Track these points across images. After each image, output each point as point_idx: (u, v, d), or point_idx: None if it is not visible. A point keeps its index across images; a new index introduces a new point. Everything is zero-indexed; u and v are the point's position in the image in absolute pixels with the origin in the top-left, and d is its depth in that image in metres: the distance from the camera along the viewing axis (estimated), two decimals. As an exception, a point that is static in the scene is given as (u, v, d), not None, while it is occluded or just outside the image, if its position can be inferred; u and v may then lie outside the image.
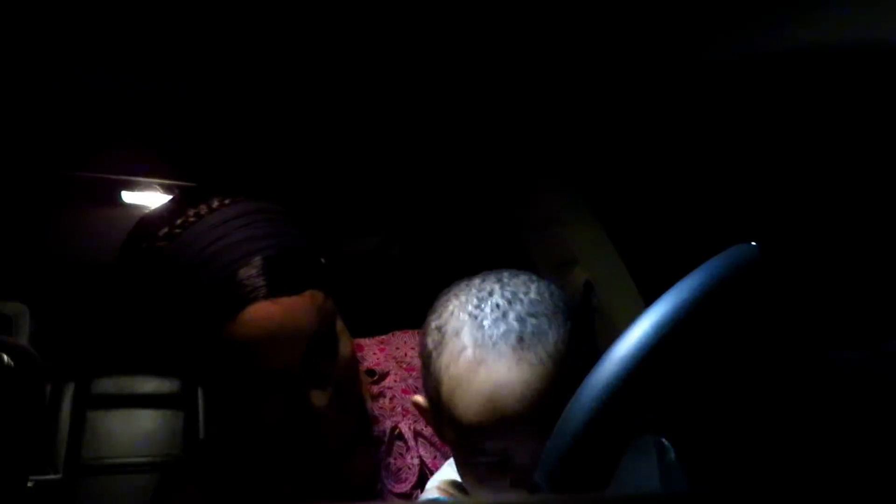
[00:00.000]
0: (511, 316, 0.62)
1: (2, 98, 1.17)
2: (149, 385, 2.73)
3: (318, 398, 0.74)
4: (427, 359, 0.67)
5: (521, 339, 0.60)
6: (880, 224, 1.04)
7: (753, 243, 0.49)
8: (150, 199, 2.05)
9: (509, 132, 1.34)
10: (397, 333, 0.98)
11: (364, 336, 0.98)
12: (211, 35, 1.03)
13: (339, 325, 0.78)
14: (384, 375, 0.90)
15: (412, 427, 0.85)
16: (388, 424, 0.85)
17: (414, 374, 0.91)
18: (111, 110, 1.26)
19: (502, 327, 0.61)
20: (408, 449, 0.84)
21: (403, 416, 0.86)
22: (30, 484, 1.69)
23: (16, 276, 2.26)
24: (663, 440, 0.44)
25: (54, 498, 2.30)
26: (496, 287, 0.65)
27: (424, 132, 1.36)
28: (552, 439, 0.46)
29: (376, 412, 0.87)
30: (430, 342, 0.66)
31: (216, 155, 1.53)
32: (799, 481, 0.46)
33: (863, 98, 0.93)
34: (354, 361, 0.80)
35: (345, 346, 0.78)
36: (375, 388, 0.89)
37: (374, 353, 0.94)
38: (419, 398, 0.72)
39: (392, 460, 0.84)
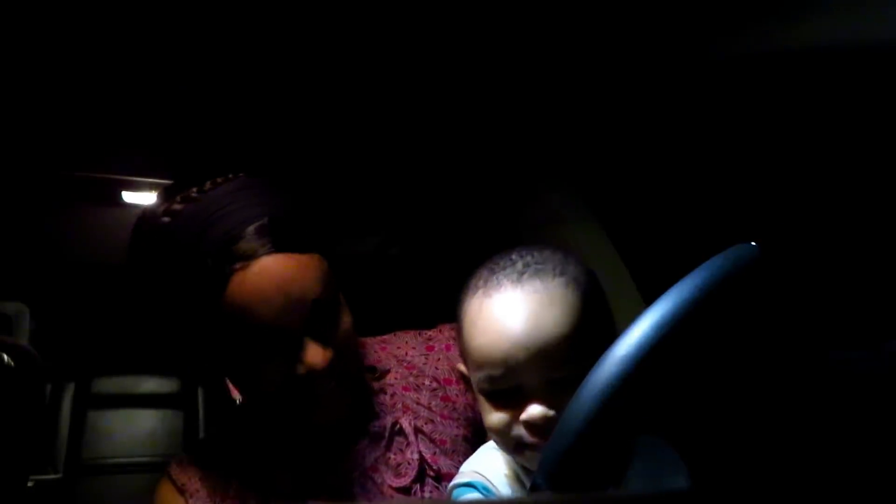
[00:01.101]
0: (519, 264, 0.69)
1: (2, 98, 1.17)
2: (149, 385, 2.74)
3: (318, 358, 0.76)
4: (458, 315, 0.73)
5: (521, 274, 0.68)
6: (880, 224, 1.04)
7: (753, 243, 0.49)
8: (150, 199, 2.05)
9: (510, 132, 1.34)
10: (399, 333, 0.99)
11: (365, 336, 0.99)
12: (212, 35, 1.03)
13: (341, 298, 0.81)
14: (385, 373, 0.92)
15: (412, 423, 0.86)
16: (389, 420, 0.86)
17: (414, 371, 0.92)
18: (111, 110, 1.26)
19: (509, 270, 0.69)
20: (408, 444, 0.85)
21: (404, 412, 0.87)
22: (30, 484, 1.69)
23: (16, 276, 2.26)
24: (663, 440, 0.44)
25: (54, 498, 2.30)
26: (519, 249, 0.72)
27: (425, 132, 1.36)
28: (553, 438, 0.46)
29: (377, 408, 0.88)
30: (461, 299, 0.73)
31: (216, 155, 1.53)
32: (799, 481, 0.46)
33: (862, 98, 0.93)
34: (354, 337, 0.82)
35: (346, 318, 0.80)
36: (376, 385, 0.90)
37: (376, 352, 0.95)
38: (460, 365, 0.76)
39: (392, 455, 0.85)
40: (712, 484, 0.45)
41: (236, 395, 1.28)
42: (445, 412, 0.89)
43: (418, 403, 0.89)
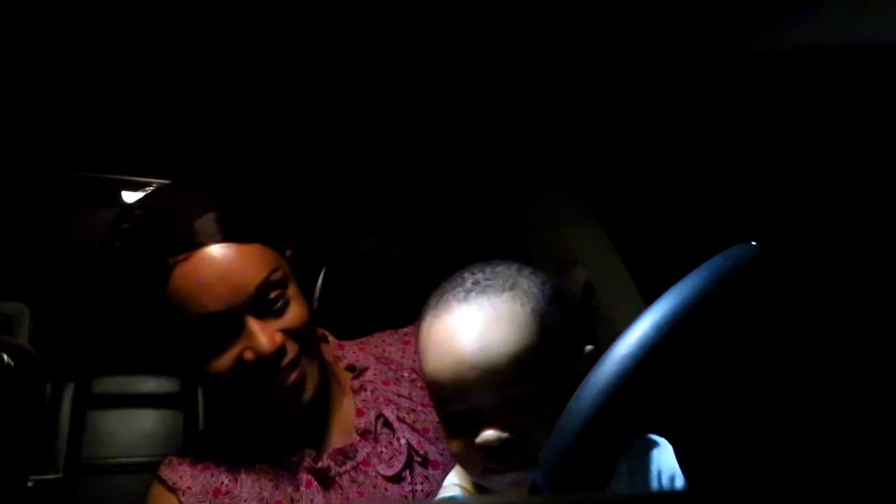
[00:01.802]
0: (469, 282, 0.68)
1: (2, 98, 1.17)
2: (149, 385, 2.73)
3: (263, 342, 0.78)
4: (417, 339, 0.72)
5: (468, 293, 0.66)
6: (880, 224, 1.04)
7: (753, 243, 0.49)
8: (149, 199, 2.04)
9: (509, 132, 1.34)
10: (376, 334, 1.02)
11: (366, 336, 1.00)
12: (211, 35, 1.03)
13: (293, 289, 0.84)
14: (364, 370, 0.94)
15: (395, 414, 0.89)
16: (373, 414, 0.89)
17: (392, 366, 0.95)
18: (111, 110, 1.26)
19: (458, 289, 0.68)
20: (395, 434, 0.87)
21: (386, 405, 0.90)
22: (30, 484, 1.69)
23: (16, 276, 2.26)
24: (663, 440, 0.44)
25: (54, 498, 2.30)
26: (472, 266, 0.71)
27: (425, 132, 1.36)
28: (553, 438, 0.46)
29: (360, 405, 0.90)
30: (418, 322, 0.72)
31: (216, 155, 1.53)
32: (799, 481, 0.46)
33: (862, 98, 0.93)
34: (309, 327, 0.85)
35: (298, 308, 0.83)
36: (357, 383, 0.93)
37: (354, 352, 0.98)
38: None
39: (383, 448, 0.87)
40: (712, 484, 0.45)
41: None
42: (426, 401, 0.89)
43: (399, 395, 0.91)
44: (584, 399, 0.45)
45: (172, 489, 0.86)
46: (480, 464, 0.65)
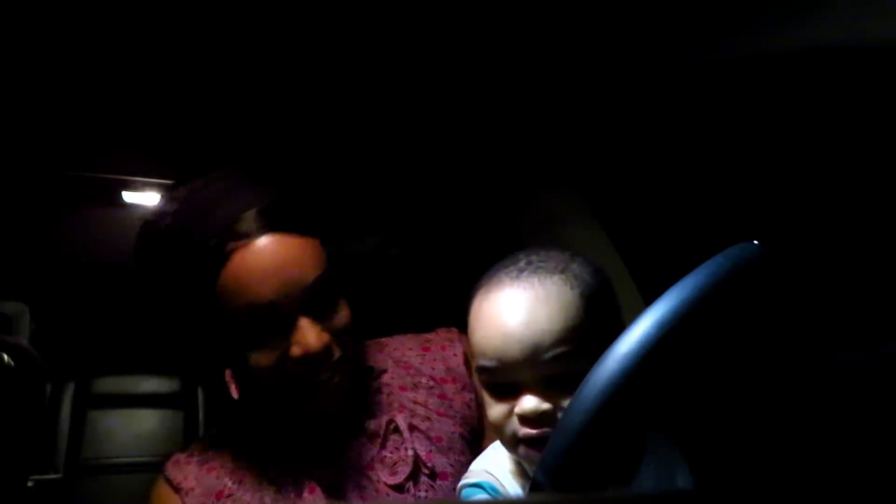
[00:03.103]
0: (522, 262, 0.71)
1: (2, 98, 1.17)
2: (149, 385, 2.73)
3: (313, 339, 0.76)
4: (467, 315, 0.74)
5: (521, 272, 0.69)
6: (880, 224, 1.04)
7: (754, 242, 0.49)
8: (150, 199, 2.05)
9: (510, 133, 1.34)
10: (396, 336, 0.99)
11: (364, 338, 0.99)
12: (211, 35, 1.03)
13: (339, 291, 0.82)
14: (382, 373, 0.92)
15: (408, 421, 0.87)
16: (385, 419, 0.87)
17: (411, 371, 0.93)
18: (111, 110, 1.26)
19: (511, 268, 0.71)
20: (402, 442, 0.85)
21: (399, 410, 0.88)
22: (30, 484, 1.69)
23: (16, 276, 2.26)
24: (665, 439, 0.44)
25: (54, 498, 2.30)
26: (528, 250, 0.74)
27: (425, 133, 1.36)
28: (554, 437, 0.46)
29: (373, 407, 0.88)
30: (469, 300, 0.74)
31: (216, 155, 1.53)
32: (799, 481, 0.46)
33: (863, 98, 0.93)
34: (352, 330, 0.82)
35: (344, 310, 0.81)
36: (373, 385, 0.91)
37: (373, 353, 0.95)
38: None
39: (388, 454, 0.85)
40: (714, 483, 0.45)
41: (236, 395, 1.28)
42: (442, 410, 0.89)
43: (415, 402, 0.89)
44: (585, 398, 0.45)
45: (176, 489, 0.85)
46: (514, 433, 0.67)
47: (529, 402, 0.65)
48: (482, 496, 0.72)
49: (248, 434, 0.89)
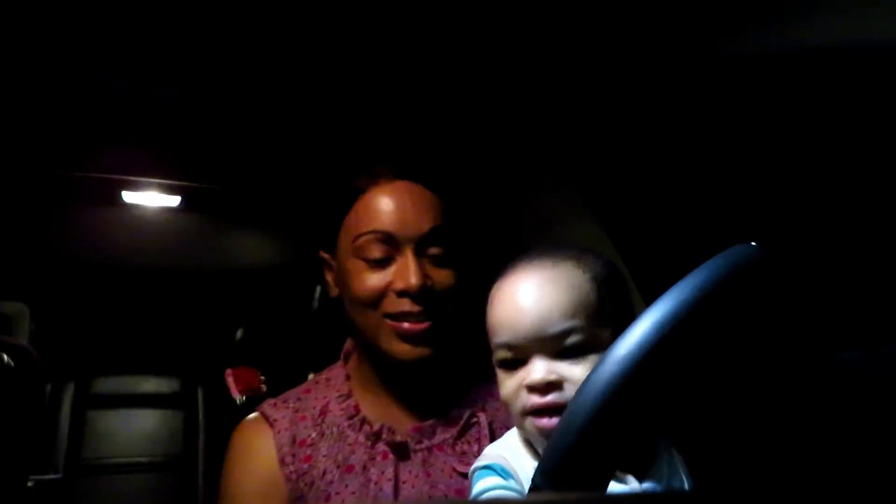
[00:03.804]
0: (540, 251, 0.76)
1: (2, 98, 1.18)
2: (149, 385, 2.74)
3: (415, 276, 0.86)
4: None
5: (538, 257, 0.75)
6: (880, 224, 1.04)
7: (753, 243, 0.49)
8: (150, 199, 2.05)
9: (510, 133, 1.34)
10: None
11: None
12: (211, 35, 1.03)
13: (453, 257, 0.92)
14: (477, 380, 0.98)
15: (489, 420, 0.93)
16: (467, 412, 0.93)
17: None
18: (111, 110, 1.26)
19: (529, 255, 0.76)
20: (479, 438, 0.91)
21: (483, 411, 0.94)
22: (30, 484, 1.69)
23: (16, 276, 2.26)
24: (664, 440, 0.44)
25: (54, 498, 2.30)
26: (546, 245, 0.80)
27: (425, 133, 1.36)
28: (553, 438, 0.46)
29: (459, 397, 0.96)
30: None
31: (216, 155, 1.53)
32: (799, 481, 0.46)
33: (863, 98, 0.93)
34: (453, 294, 0.91)
35: (452, 273, 0.91)
36: (463, 380, 0.97)
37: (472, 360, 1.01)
38: None
39: (461, 443, 0.92)
40: (713, 483, 0.45)
41: (236, 395, 1.28)
42: None
43: (497, 410, 0.94)
44: (584, 399, 0.45)
45: (271, 423, 0.93)
46: (524, 406, 0.71)
47: (537, 372, 0.69)
48: (493, 478, 0.74)
49: (341, 382, 0.97)
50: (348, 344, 1.02)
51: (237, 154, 1.52)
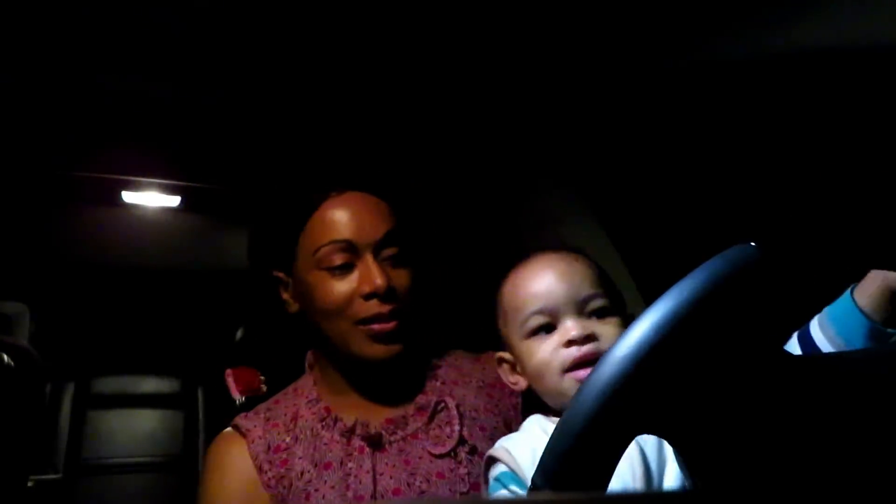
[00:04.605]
0: (548, 249, 0.87)
1: (2, 98, 1.18)
2: (149, 385, 2.73)
3: (380, 279, 0.90)
4: (498, 296, 0.88)
5: (545, 251, 0.87)
6: (880, 224, 1.04)
7: (752, 244, 0.49)
8: (150, 199, 2.05)
9: (510, 133, 1.34)
10: (450, 351, 1.09)
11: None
12: (211, 35, 1.03)
13: (408, 258, 0.97)
14: (436, 365, 1.02)
15: (456, 407, 0.96)
16: (434, 398, 0.97)
17: (464, 372, 1.04)
18: (111, 110, 1.26)
19: (538, 252, 0.87)
20: (449, 420, 0.95)
21: (451, 396, 0.97)
22: (30, 484, 1.69)
23: (16, 276, 2.26)
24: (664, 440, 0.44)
25: (54, 498, 2.30)
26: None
27: (425, 133, 1.36)
28: (553, 438, 0.46)
29: (426, 387, 0.99)
30: (499, 288, 0.88)
31: (216, 155, 1.53)
32: (798, 481, 0.46)
33: (862, 98, 0.93)
34: (413, 294, 0.95)
35: (409, 273, 0.96)
36: (427, 370, 1.02)
37: (429, 355, 1.05)
38: (500, 353, 0.89)
39: (434, 428, 0.95)
40: (712, 484, 0.45)
41: (236, 395, 1.28)
42: (489, 406, 0.98)
43: (464, 395, 0.98)
44: (583, 400, 0.45)
45: (244, 434, 0.95)
46: (564, 363, 0.78)
47: (576, 327, 0.78)
48: (500, 469, 0.79)
49: (309, 389, 1.00)
50: (310, 356, 1.04)
51: (237, 154, 1.52)
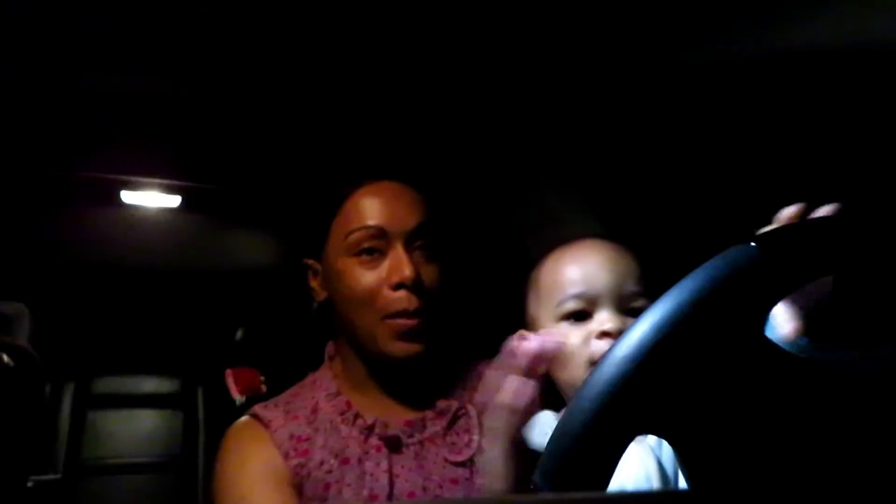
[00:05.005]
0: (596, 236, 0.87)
1: (2, 98, 1.18)
2: (149, 385, 2.73)
3: (407, 270, 0.89)
4: (532, 281, 0.86)
5: (593, 237, 0.86)
6: (880, 224, 1.04)
7: (752, 245, 0.49)
8: (150, 199, 2.05)
9: (509, 132, 1.34)
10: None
11: None
12: (211, 35, 1.03)
13: (439, 254, 0.96)
14: (464, 372, 1.01)
15: (478, 416, 0.94)
16: (456, 404, 0.96)
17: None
18: (111, 110, 1.26)
19: (587, 237, 0.87)
20: (468, 428, 0.94)
21: (471, 402, 0.96)
22: (30, 484, 1.69)
23: (16, 276, 2.26)
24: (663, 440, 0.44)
25: (54, 498, 2.30)
26: None
27: (424, 132, 1.36)
28: (552, 439, 0.46)
29: (448, 391, 0.98)
30: (533, 275, 0.87)
31: (216, 155, 1.53)
32: (799, 483, 0.46)
33: (862, 98, 0.93)
34: (440, 292, 0.94)
35: (438, 271, 0.94)
36: (452, 375, 1.00)
37: (461, 358, 1.04)
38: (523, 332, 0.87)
39: (453, 434, 0.94)
40: (712, 484, 0.45)
41: (236, 395, 1.28)
42: None
43: (486, 404, 0.96)
44: (583, 400, 0.45)
45: (266, 424, 0.94)
46: (593, 354, 0.76)
47: (612, 320, 0.77)
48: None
49: (328, 382, 0.99)
50: (331, 347, 1.03)
51: (237, 154, 1.52)
